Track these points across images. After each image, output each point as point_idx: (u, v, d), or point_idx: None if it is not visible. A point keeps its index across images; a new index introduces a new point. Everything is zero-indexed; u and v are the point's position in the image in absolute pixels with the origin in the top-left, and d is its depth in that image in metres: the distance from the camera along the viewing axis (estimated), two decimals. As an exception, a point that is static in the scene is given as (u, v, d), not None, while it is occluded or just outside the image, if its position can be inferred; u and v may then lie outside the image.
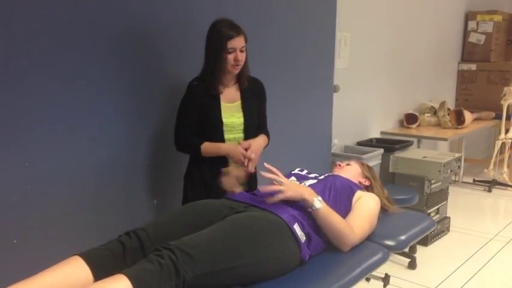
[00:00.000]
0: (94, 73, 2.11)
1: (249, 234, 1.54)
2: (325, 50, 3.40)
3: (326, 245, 1.77)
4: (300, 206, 1.73)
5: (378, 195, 2.04)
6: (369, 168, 2.23)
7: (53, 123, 2.00)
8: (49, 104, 1.97)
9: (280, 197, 1.69)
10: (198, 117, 2.20)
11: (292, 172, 2.10)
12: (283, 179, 1.75)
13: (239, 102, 2.27)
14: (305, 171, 2.10)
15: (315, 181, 1.95)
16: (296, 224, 1.66)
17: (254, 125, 2.32)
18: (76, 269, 1.43)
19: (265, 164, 1.80)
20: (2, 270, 1.78)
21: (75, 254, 1.48)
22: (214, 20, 2.16)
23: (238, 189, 2.02)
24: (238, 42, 2.11)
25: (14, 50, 1.85)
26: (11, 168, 1.89)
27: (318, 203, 1.68)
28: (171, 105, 2.27)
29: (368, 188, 2.13)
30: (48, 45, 1.94)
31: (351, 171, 2.15)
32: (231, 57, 2.12)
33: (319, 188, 1.84)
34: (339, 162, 2.22)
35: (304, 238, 1.66)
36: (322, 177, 2.00)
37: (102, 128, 2.17)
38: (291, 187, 1.72)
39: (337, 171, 2.15)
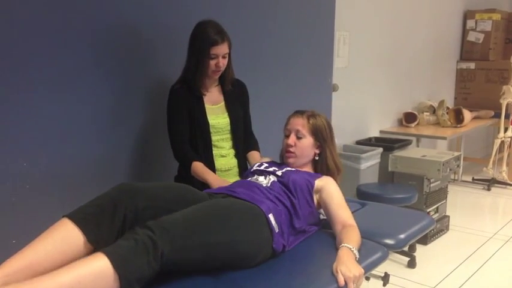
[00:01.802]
0: (92, 74, 2.11)
1: (225, 213, 1.58)
2: (324, 49, 3.41)
3: (300, 240, 1.81)
4: (276, 202, 1.77)
5: (327, 160, 2.01)
6: (315, 121, 2.01)
7: (51, 123, 2.00)
8: (46, 104, 1.97)
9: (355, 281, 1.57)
10: (188, 121, 2.17)
11: (251, 170, 2.04)
12: (344, 276, 1.56)
13: (222, 103, 2.26)
14: (263, 166, 2.02)
15: (275, 178, 1.92)
16: (271, 214, 1.70)
17: (241, 126, 2.31)
18: (67, 235, 1.44)
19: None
20: (1, 270, 1.78)
21: (64, 216, 1.48)
22: (200, 20, 2.13)
23: None
24: (221, 49, 2.10)
25: (11, 51, 1.85)
26: (10, 168, 1.89)
27: (356, 252, 1.66)
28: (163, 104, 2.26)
29: (320, 156, 2.02)
30: (43, 47, 1.94)
31: (304, 150, 1.99)
32: (212, 62, 2.10)
33: (284, 189, 1.85)
34: (289, 142, 1.99)
35: (278, 229, 1.70)
36: (280, 173, 1.93)
37: (100, 128, 2.17)
38: (352, 277, 1.54)
39: (292, 160, 2.00)
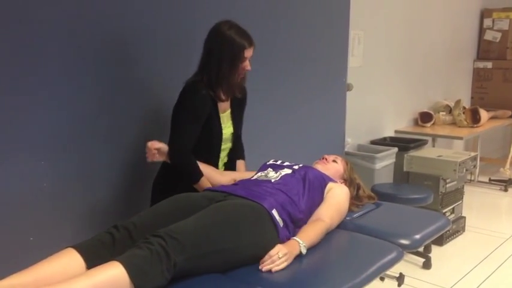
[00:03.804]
0: (108, 74, 2.12)
1: (231, 220, 1.63)
2: (339, 48, 3.39)
3: None
4: (278, 197, 1.80)
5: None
6: (352, 170, 2.26)
7: (69, 123, 2.02)
8: (65, 103, 1.99)
9: (282, 267, 1.61)
10: (200, 130, 2.06)
11: (267, 163, 2.14)
12: (274, 256, 1.61)
13: (229, 111, 2.18)
14: (279, 161, 2.16)
15: (290, 171, 2.01)
16: (274, 209, 1.75)
17: (240, 134, 2.26)
18: (71, 260, 1.49)
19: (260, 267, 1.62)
20: (19, 267, 1.80)
21: (67, 247, 1.54)
22: (219, 22, 2.03)
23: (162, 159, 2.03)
24: (251, 51, 2.03)
25: (28, 50, 1.87)
26: (28, 166, 1.91)
27: (304, 249, 1.68)
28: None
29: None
30: (59, 48, 1.96)
31: (332, 169, 2.19)
32: (242, 66, 2.02)
33: (294, 180, 1.93)
34: (325, 156, 2.26)
35: (282, 223, 1.75)
36: (297, 167, 2.06)
37: (116, 128, 2.18)
38: (285, 259, 1.61)
39: (320, 167, 2.18)
